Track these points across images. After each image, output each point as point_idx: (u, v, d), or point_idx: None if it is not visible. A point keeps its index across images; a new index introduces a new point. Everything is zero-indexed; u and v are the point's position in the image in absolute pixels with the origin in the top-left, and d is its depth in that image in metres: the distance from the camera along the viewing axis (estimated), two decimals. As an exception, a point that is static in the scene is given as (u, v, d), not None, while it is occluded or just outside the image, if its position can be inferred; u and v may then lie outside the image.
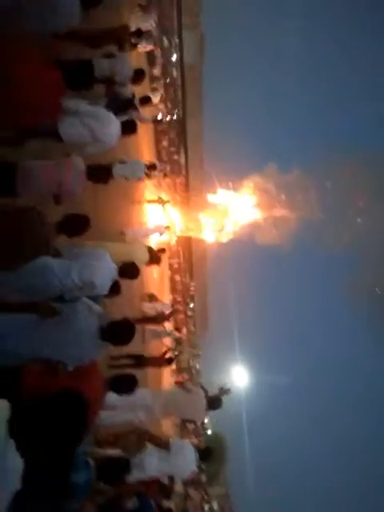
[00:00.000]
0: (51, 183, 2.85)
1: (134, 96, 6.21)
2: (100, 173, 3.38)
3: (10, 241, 2.40)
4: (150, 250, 5.42)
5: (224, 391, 4.92)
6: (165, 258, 24.05)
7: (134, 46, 6.65)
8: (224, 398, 4.77)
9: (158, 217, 21.22)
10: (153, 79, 20.96)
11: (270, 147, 51.59)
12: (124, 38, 5.54)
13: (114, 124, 3.51)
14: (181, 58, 29.09)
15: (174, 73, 28.91)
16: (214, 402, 4.65)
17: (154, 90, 18.80)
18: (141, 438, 4.27)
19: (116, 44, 5.16)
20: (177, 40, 28.04)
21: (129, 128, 4.07)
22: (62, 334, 2.33)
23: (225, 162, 35.45)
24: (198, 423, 21.19)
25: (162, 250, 12.61)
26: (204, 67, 32.08)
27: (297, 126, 59.29)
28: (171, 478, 4.19)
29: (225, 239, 26.63)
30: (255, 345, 54.59)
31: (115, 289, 3.64)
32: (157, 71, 21.44)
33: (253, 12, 55.51)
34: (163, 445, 4.11)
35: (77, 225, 2.86)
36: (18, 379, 2.32)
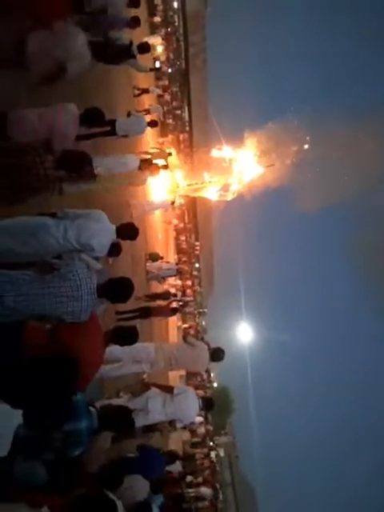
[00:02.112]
0: (43, 127, 2.80)
1: (131, 43, 5.92)
2: (97, 117, 3.27)
3: (11, 178, 2.40)
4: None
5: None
6: (170, 217, 23.92)
7: None
8: (224, 352, 4.90)
9: (161, 179, 20.89)
10: (154, 28, 19.92)
11: (276, 100, 49.68)
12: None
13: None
14: (183, 5, 27.38)
15: (176, 21, 27.35)
16: (216, 355, 4.78)
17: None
18: (146, 383, 4.46)
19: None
20: (178, -16, 26.32)
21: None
22: (60, 289, 2.36)
23: (230, 117, 34.36)
24: (203, 373, 21.97)
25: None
26: (208, 14, 30.28)
27: (305, 76, 56.68)
28: (173, 423, 4.38)
29: (230, 198, 26.25)
30: (260, 302, 55.52)
31: (115, 250, 3.65)
32: (158, 19, 20.34)
33: None
34: (167, 389, 4.29)
35: (76, 160, 2.83)
36: (19, 335, 2.39)
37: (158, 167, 8.32)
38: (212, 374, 32.22)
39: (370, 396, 61.03)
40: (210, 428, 26.03)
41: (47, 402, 1.76)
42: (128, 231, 3.54)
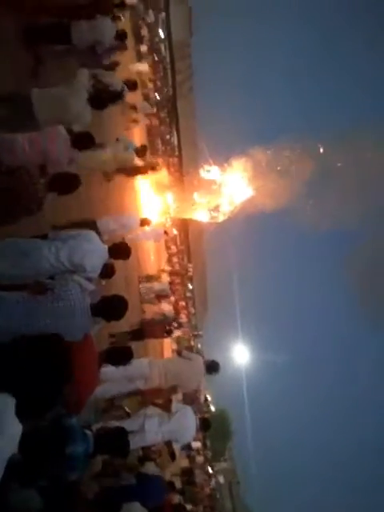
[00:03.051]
0: (35, 153, 2.84)
1: (123, 89, 6.23)
2: (86, 140, 3.36)
3: (3, 199, 2.40)
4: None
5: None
6: (160, 241, 23.98)
7: (117, 18, 6.51)
8: (219, 364, 4.84)
9: (153, 203, 21.09)
10: (141, 56, 20.50)
11: (265, 122, 50.94)
12: (107, 10, 5.40)
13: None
14: (169, 34, 28.33)
15: (163, 50, 28.22)
16: (211, 367, 4.72)
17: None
18: (143, 400, 4.37)
19: (98, 14, 5.03)
20: (164, 15, 27.26)
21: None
22: (54, 309, 2.34)
23: (219, 140, 35.03)
24: (199, 388, 21.52)
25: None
26: (193, 43, 31.33)
27: (292, 100, 58.44)
28: (170, 443, 4.28)
29: (221, 219, 26.50)
30: (255, 324, 55.17)
31: (108, 271, 3.65)
32: (144, 48, 20.96)
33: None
34: (164, 408, 4.21)
35: (67, 182, 2.86)
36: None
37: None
38: (209, 398, 31.65)
39: (368, 415, 60.32)
40: (209, 453, 25.39)
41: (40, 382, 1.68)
42: (120, 251, 3.55)
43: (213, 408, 32.52)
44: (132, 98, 13.55)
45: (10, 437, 1.52)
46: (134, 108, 13.53)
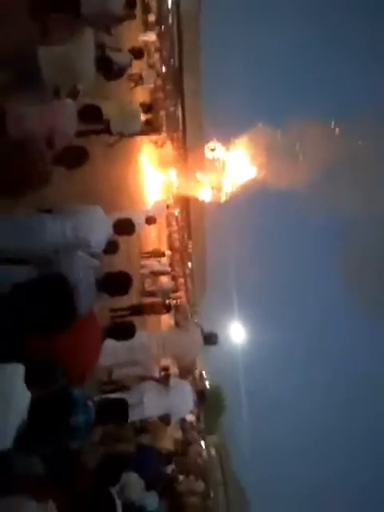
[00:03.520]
0: (44, 126, 2.81)
1: (130, 64, 6.08)
2: (93, 114, 3.31)
3: (10, 173, 2.40)
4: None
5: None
6: (163, 216, 23.92)
7: None
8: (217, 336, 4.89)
9: (156, 178, 20.91)
10: (148, 25, 19.90)
11: (270, 101, 49.90)
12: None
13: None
14: (177, 5, 27.39)
15: (170, 21, 27.33)
16: (209, 338, 4.78)
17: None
18: (141, 377, 4.46)
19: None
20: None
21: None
22: None
23: (224, 118, 34.38)
24: (196, 360, 21.88)
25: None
26: (202, 15, 30.32)
27: (301, 79, 57.09)
28: (168, 417, 4.38)
29: (223, 198, 26.35)
30: (253, 302, 55.65)
31: (112, 247, 3.65)
32: (152, 18, 20.32)
33: None
34: (162, 381, 4.31)
35: (75, 156, 2.84)
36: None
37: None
38: (204, 374, 32.27)
39: (365, 396, 61.59)
40: (202, 426, 26.07)
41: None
42: (125, 226, 3.55)
43: (208, 384, 33.21)
44: (137, 65, 13.24)
45: (19, 403, 1.57)
46: (139, 77, 13.23)
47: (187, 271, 34.70)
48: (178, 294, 24.02)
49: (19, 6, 4.21)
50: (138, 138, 13.59)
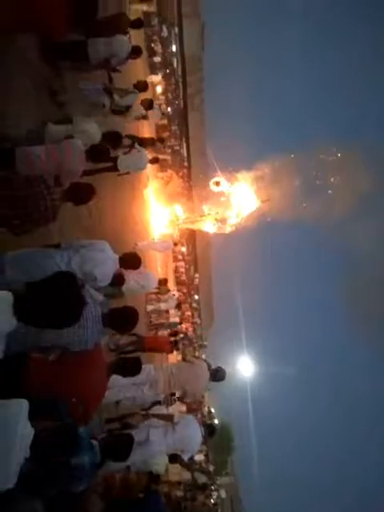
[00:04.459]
0: (51, 164, 2.90)
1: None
2: (102, 153, 3.42)
3: (18, 209, 2.46)
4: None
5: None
6: (169, 251, 24.09)
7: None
8: (225, 371, 4.79)
9: (161, 213, 21.23)
10: (154, 68, 20.84)
11: (272, 136, 51.28)
12: (123, 28, 5.54)
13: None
14: (181, 48, 28.78)
15: (175, 64, 28.65)
16: (216, 374, 4.67)
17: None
18: (146, 415, 4.34)
19: (116, 33, 5.16)
20: (177, 30, 27.72)
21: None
22: None
23: (228, 152, 35.29)
24: (203, 394, 21.28)
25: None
26: (205, 56, 31.77)
27: (299, 114, 58.90)
28: (176, 456, 4.21)
29: (228, 230, 26.54)
30: (260, 335, 54.80)
31: (118, 280, 3.67)
32: (157, 59, 21.33)
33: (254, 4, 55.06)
34: (168, 418, 4.18)
35: (82, 192, 2.91)
36: (22, 369, 2.36)
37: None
38: (212, 410, 31.28)
39: (373, 429, 59.22)
40: (211, 467, 25.01)
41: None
42: (131, 260, 3.58)
43: (216, 421, 32.14)
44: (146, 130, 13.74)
45: (22, 441, 1.55)
46: (144, 117, 13.64)
47: (194, 304, 34.46)
48: (185, 327, 23.76)
49: (33, 55, 4.49)
50: (145, 174, 13.92)
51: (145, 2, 18.34)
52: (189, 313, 30.21)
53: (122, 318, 2.61)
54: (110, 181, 7.40)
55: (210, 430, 4.48)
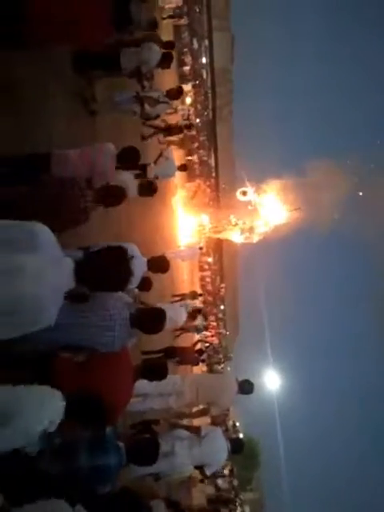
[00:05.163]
0: (84, 166, 2.96)
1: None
2: (132, 156, 3.47)
3: (52, 210, 2.51)
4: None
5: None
6: (196, 259, 24.10)
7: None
8: (253, 384, 4.67)
9: (188, 222, 21.36)
10: (183, 78, 21.18)
11: (300, 148, 50.81)
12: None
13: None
14: (211, 61, 29.12)
15: (204, 76, 28.98)
16: (244, 386, 4.55)
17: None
18: (172, 425, 4.26)
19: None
20: (207, 42, 28.10)
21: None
22: (93, 318, 2.36)
23: (255, 163, 35.20)
24: (230, 406, 20.88)
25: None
26: (234, 68, 32.05)
27: (327, 126, 58.25)
28: (201, 468, 4.09)
29: (255, 239, 26.31)
30: (286, 346, 53.72)
31: (146, 284, 3.66)
32: (187, 68, 21.70)
33: (282, 14, 55.27)
34: (194, 430, 4.08)
35: (114, 195, 2.95)
36: (49, 367, 2.37)
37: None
38: (237, 424, 30.73)
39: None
40: (236, 482, 24.49)
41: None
42: (159, 264, 3.57)
43: (241, 435, 31.53)
44: (174, 118, 13.87)
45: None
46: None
47: (220, 315, 34.20)
48: (211, 337, 23.59)
49: (66, 65, 4.63)
50: (173, 183, 14.04)
51: (177, 16, 18.74)
52: (214, 323, 29.98)
53: (150, 319, 2.59)
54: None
55: (237, 446, 4.34)
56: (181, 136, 13.04)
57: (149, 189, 4.17)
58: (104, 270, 1.92)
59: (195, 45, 24.74)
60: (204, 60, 27.85)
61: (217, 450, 4.00)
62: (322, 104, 59.89)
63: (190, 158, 21.73)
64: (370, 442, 58.96)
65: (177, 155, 17.32)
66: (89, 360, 2.55)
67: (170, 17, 16.38)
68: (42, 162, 2.91)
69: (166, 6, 13.81)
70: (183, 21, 17.57)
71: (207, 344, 17.44)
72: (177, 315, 6.41)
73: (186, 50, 22.90)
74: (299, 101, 60.07)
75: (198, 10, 25.10)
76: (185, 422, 4.93)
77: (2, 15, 2.58)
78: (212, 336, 25.20)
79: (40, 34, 2.75)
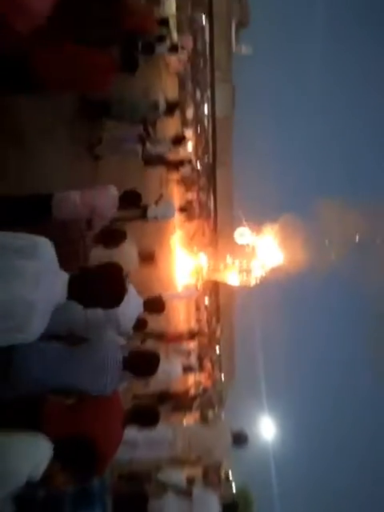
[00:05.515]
0: (86, 208, 3.02)
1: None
2: (133, 199, 3.56)
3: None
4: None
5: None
6: (192, 300, 23.94)
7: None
8: (247, 436, 4.49)
9: (186, 262, 21.49)
10: (185, 124, 22.05)
11: (298, 191, 52.18)
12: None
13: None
14: (212, 109, 30.48)
15: (206, 123, 30.24)
16: (239, 438, 4.37)
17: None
18: (162, 485, 4.06)
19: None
20: (209, 93, 29.55)
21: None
22: (86, 360, 2.33)
23: (254, 206, 35.98)
24: (224, 460, 19.76)
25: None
26: (235, 117, 33.52)
27: (324, 172, 60.21)
28: None
29: (253, 282, 26.35)
30: (283, 394, 52.22)
31: (141, 325, 3.63)
32: (190, 115, 22.60)
33: (280, 70, 58.79)
34: (185, 493, 3.87)
35: (113, 236, 2.99)
36: (40, 413, 2.32)
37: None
38: (230, 475, 29.17)
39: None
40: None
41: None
42: (155, 305, 3.56)
43: (234, 486, 29.83)
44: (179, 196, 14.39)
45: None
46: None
47: (214, 358, 33.45)
48: (204, 381, 22.94)
49: (73, 111, 4.85)
50: (172, 223, 14.25)
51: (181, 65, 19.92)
52: (209, 366, 29.24)
53: (143, 363, 2.56)
54: (138, 228, 7.60)
55: (230, 510, 4.10)
56: (180, 173, 13.49)
57: (150, 258, 4.20)
58: (98, 284, 1.91)
59: (198, 95, 25.99)
60: (206, 108, 29.15)
61: None
62: (319, 151, 62.41)
63: (189, 197, 22.23)
64: (369, 493, 56.00)
65: (176, 196, 17.72)
66: (79, 403, 2.49)
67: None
68: (43, 203, 2.98)
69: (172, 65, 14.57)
70: (187, 71, 18.57)
71: (201, 388, 16.94)
72: (171, 368, 6.09)
73: (188, 98, 24.04)
74: (297, 147, 62.65)
75: (201, 64, 26.60)
76: (174, 473, 4.69)
77: (9, 68, 2.73)
78: (207, 380, 24.52)
79: (46, 85, 2.90)
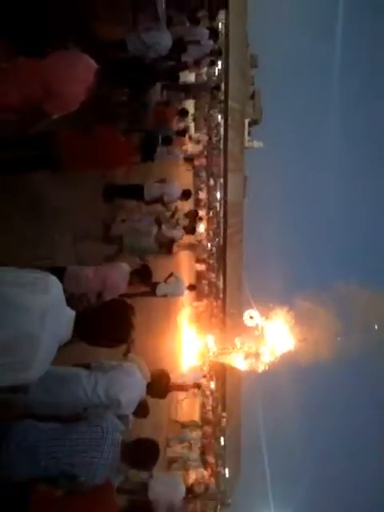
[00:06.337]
0: (98, 282, 3.07)
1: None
2: (145, 275, 3.63)
3: None
4: None
5: None
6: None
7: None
8: None
9: (193, 343, 21.04)
10: (198, 205, 23.19)
11: (309, 276, 52.49)
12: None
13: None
14: (224, 196, 32.19)
15: (218, 207, 31.75)
16: None
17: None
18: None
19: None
20: (222, 181, 31.45)
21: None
22: (84, 434, 2.20)
23: (263, 289, 36.07)
24: None
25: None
26: (245, 204, 35.25)
27: (335, 256, 61.18)
28: None
29: (261, 369, 25.33)
30: (290, 491, 47.22)
31: (142, 409, 3.45)
32: (203, 195, 23.84)
33: (291, 159, 63.22)
34: None
35: (119, 309, 2.97)
36: (28, 504, 2.15)
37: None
38: None
39: None
40: None
41: None
42: (159, 389, 3.41)
43: None
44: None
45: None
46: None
47: (219, 450, 30.88)
48: (206, 478, 20.98)
49: (95, 192, 5.16)
50: (180, 301, 14.24)
51: (196, 158, 21.49)
52: (212, 460, 26.86)
53: (143, 453, 2.37)
54: (146, 305, 7.59)
55: None
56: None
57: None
58: (104, 322, 1.96)
59: (211, 182, 27.68)
60: (218, 195, 30.81)
61: None
62: (331, 235, 64.32)
63: (198, 266, 22.61)
64: None
65: (186, 276, 17.93)
66: (68, 496, 2.29)
67: (188, 160, 18.69)
68: (56, 276, 3.04)
69: (189, 150, 15.82)
70: (202, 161, 20.03)
71: (202, 486, 15.43)
72: (169, 489, 4.73)
73: (203, 185, 25.62)
74: (305, 233, 64.81)
75: (215, 154, 28.75)
76: None
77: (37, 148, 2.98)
78: (210, 476, 22.44)
79: (71, 168, 3.14)
